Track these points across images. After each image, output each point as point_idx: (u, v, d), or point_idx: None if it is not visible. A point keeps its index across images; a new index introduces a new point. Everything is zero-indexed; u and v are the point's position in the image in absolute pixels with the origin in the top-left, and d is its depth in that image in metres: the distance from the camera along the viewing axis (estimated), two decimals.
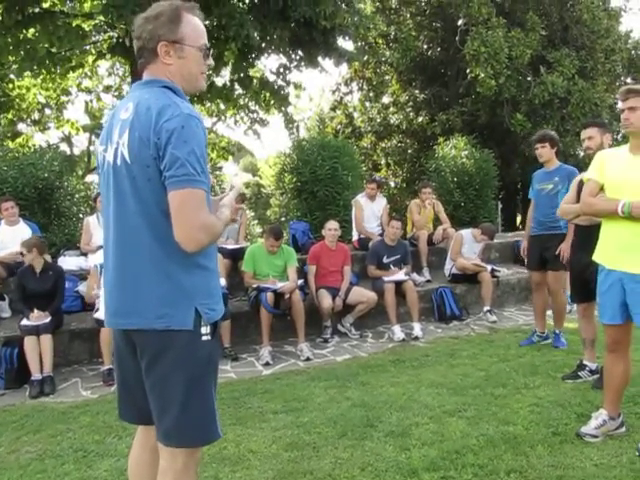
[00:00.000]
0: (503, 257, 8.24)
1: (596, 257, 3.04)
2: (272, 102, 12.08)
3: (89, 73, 14.34)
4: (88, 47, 11.39)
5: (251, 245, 6.15)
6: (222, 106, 12.83)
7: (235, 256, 6.23)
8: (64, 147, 16.61)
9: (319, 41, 9.90)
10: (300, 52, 11.08)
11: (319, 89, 29.65)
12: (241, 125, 14.15)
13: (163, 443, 1.69)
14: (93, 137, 18.09)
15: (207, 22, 9.98)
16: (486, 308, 6.35)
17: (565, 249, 4.58)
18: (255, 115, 13.51)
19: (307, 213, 8.33)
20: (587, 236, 3.80)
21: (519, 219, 18.43)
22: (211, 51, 1.80)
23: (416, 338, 5.64)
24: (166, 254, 1.65)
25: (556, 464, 2.77)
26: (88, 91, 15.46)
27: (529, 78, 13.04)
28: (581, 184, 3.87)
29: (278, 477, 2.79)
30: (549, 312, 5.20)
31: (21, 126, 14.94)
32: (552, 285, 4.91)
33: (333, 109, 18.46)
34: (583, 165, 4.64)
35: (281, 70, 11.68)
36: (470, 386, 4.02)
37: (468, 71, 12.85)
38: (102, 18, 9.90)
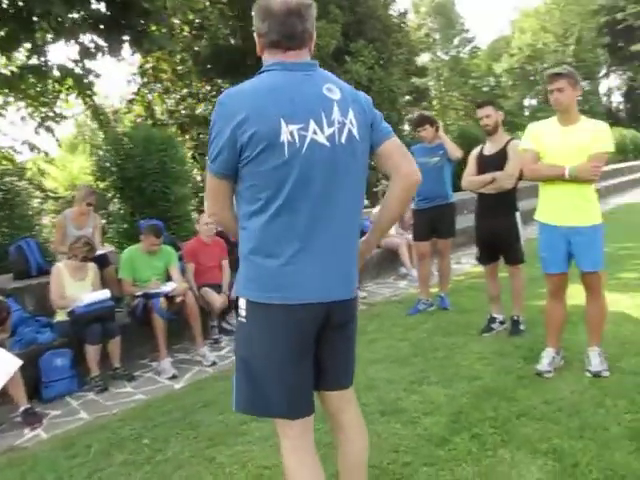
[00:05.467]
0: None
1: (538, 217, 3.46)
2: (76, 93, 10.75)
3: None
4: None
5: (126, 249, 5.47)
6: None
7: (100, 264, 5.47)
8: None
9: (133, 25, 9.11)
10: (104, 37, 10.03)
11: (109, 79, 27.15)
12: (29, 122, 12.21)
13: (350, 384, 1.98)
14: None
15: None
16: None
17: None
18: (48, 109, 11.75)
19: (133, 212, 7.29)
20: (493, 203, 4.30)
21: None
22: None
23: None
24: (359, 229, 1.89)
25: (551, 401, 3.10)
26: None
27: (334, 66, 13.81)
28: (480, 158, 4.35)
29: None
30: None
31: None
32: (444, 251, 5.38)
33: (130, 101, 17.20)
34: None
35: (80, 57, 10.40)
36: (410, 355, 4.13)
37: None
38: None
